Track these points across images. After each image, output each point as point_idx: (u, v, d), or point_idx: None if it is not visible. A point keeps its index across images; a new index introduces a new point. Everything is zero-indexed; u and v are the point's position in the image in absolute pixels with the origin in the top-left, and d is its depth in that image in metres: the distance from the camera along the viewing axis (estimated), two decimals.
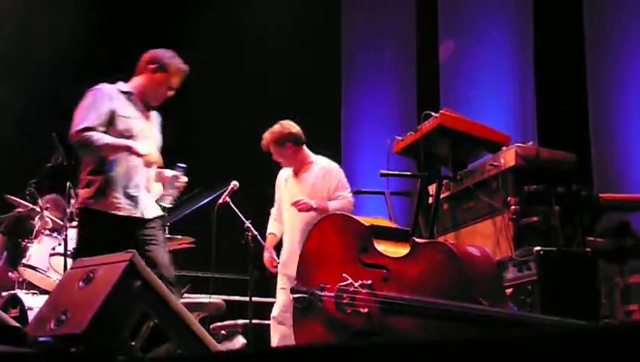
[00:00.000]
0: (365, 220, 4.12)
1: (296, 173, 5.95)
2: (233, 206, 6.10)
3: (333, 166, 5.95)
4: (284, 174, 6.04)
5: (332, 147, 8.07)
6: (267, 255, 5.95)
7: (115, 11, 8.97)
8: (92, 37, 8.71)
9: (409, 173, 5.86)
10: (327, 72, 8.65)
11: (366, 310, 3.83)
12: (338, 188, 5.82)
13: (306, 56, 8.49)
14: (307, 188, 5.80)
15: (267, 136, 5.87)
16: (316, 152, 5.96)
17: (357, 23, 8.93)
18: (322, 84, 8.57)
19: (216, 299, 6.60)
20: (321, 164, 5.91)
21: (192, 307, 5.88)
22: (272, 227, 6.03)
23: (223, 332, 6.22)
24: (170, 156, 4.90)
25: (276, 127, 5.87)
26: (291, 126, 5.89)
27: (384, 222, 4.27)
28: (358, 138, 8.58)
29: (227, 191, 6.14)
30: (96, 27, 8.81)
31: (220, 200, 6.13)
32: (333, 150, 8.10)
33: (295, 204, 5.67)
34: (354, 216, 4.23)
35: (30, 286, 6.44)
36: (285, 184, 5.99)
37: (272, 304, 5.84)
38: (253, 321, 6.16)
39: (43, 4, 8.91)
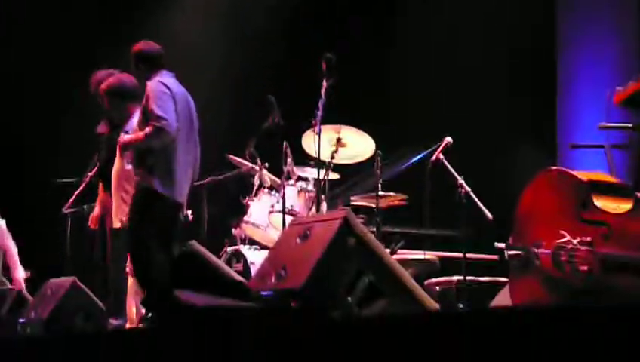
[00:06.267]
0: (583, 175, 3.98)
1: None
2: (446, 162, 6.05)
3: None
4: None
5: (547, 100, 7.82)
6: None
7: None
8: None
9: (631, 125, 5.57)
10: (541, 24, 8.33)
11: (585, 268, 3.72)
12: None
13: (520, 6, 8.22)
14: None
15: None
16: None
17: None
18: (537, 36, 8.27)
19: (431, 255, 6.61)
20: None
21: (406, 263, 5.91)
22: None
23: (437, 288, 6.21)
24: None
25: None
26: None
27: (604, 177, 4.10)
28: (574, 91, 8.25)
29: (440, 148, 6.09)
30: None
31: (433, 157, 6.09)
32: (548, 103, 7.85)
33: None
34: (571, 171, 4.09)
35: (252, 242, 6.73)
36: None
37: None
38: (468, 278, 6.12)
39: None
